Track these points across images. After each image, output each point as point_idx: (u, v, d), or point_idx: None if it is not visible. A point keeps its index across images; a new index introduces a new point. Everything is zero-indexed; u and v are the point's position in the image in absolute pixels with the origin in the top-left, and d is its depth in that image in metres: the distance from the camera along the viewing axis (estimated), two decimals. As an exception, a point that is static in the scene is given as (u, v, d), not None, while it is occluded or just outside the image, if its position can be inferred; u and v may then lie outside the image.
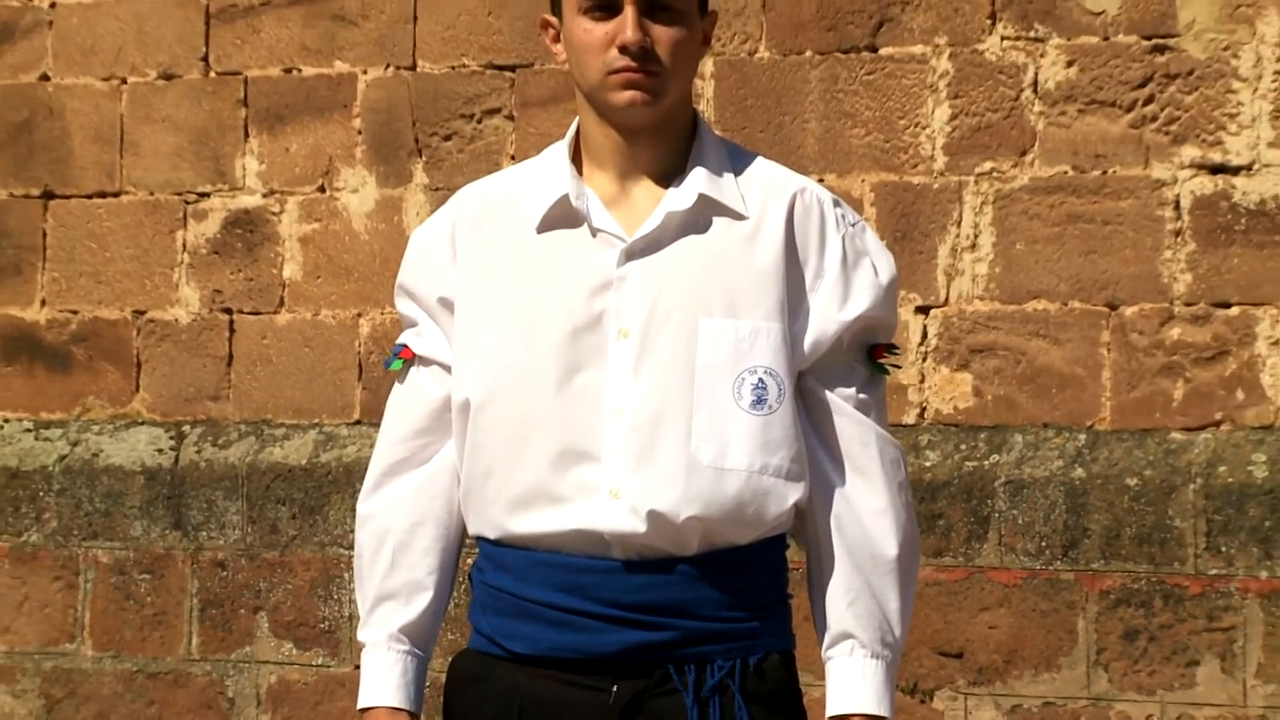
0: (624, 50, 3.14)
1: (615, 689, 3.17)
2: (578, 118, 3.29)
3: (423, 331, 3.29)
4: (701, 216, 3.20)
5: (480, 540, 3.26)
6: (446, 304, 3.25)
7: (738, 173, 3.26)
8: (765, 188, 3.25)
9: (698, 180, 3.21)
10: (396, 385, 3.32)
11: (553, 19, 3.28)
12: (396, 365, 3.30)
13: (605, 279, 3.17)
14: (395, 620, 3.28)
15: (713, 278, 3.18)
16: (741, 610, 3.19)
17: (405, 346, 3.29)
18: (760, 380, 3.17)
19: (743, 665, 3.18)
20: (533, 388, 3.16)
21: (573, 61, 3.23)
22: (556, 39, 3.27)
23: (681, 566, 3.16)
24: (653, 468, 3.13)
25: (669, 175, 3.22)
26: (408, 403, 3.31)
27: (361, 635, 3.32)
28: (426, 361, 3.28)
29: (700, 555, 3.16)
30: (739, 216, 3.21)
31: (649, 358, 3.16)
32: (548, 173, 3.26)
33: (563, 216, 3.21)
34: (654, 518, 3.12)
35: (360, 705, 3.26)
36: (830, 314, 3.22)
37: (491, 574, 3.24)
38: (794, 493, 3.18)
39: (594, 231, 3.19)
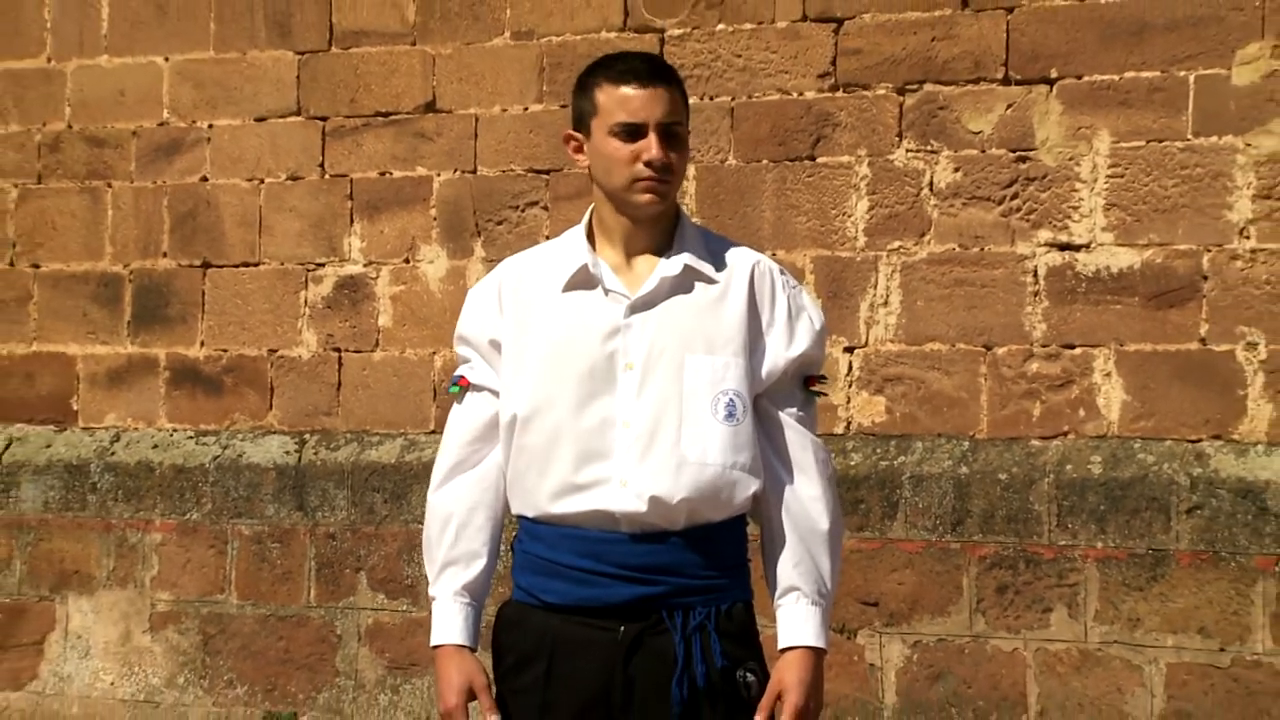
0: (649, 165, 3.18)
1: (623, 629, 3.19)
2: (592, 206, 3.31)
3: (475, 366, 3.32)
4: (686, 281, 3.25)
5: (521, 519, 3.29)
6: (495, 345, 3.29)
7: (710, 249, 3.31)
8: (731, 259, 3.30)
9: (683, 254, 3.25)
10: (455, 406, 3.35)
11: (577, 135, 3.30)
12: (455, 390, 3.34)
13: (615, 327, 3.21)
14: (458, 580, 3.31)
15: (695, 325, 3.23)
16: (715, 570, 3.21)
17: (463, 377, 3.33)
18: (731, 399, 3.21)
19: (716, 611, 3.20)
20: (562, 407, 3.20)
21: (598, 168, 3.25)
22: (579, 150, 3.30)
23: (672, 538, 3.18)
24: (652, 464, 3.16)
25: (660, 249, 3.27)
26: (465, 419, 3.35)
27: (432, 591, 3.35)
28: (479, 389, 3.32)
29: (686, 529, 3.19)
30: (712, 281, 3.26)
31: (649, 384, 3.20)
32: (569, 248, 3.30)
33: (582, 280, 3.25)
34: (653, 501, 3.16)
35: (433, 644, 3.31)
36: (779, 352, 3.27)
37: (529, 544, 3.27)
38: (754, 484, 3.23)
39: (606, 291, 3.24)
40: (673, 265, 3.24)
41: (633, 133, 3.21)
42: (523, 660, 3.23)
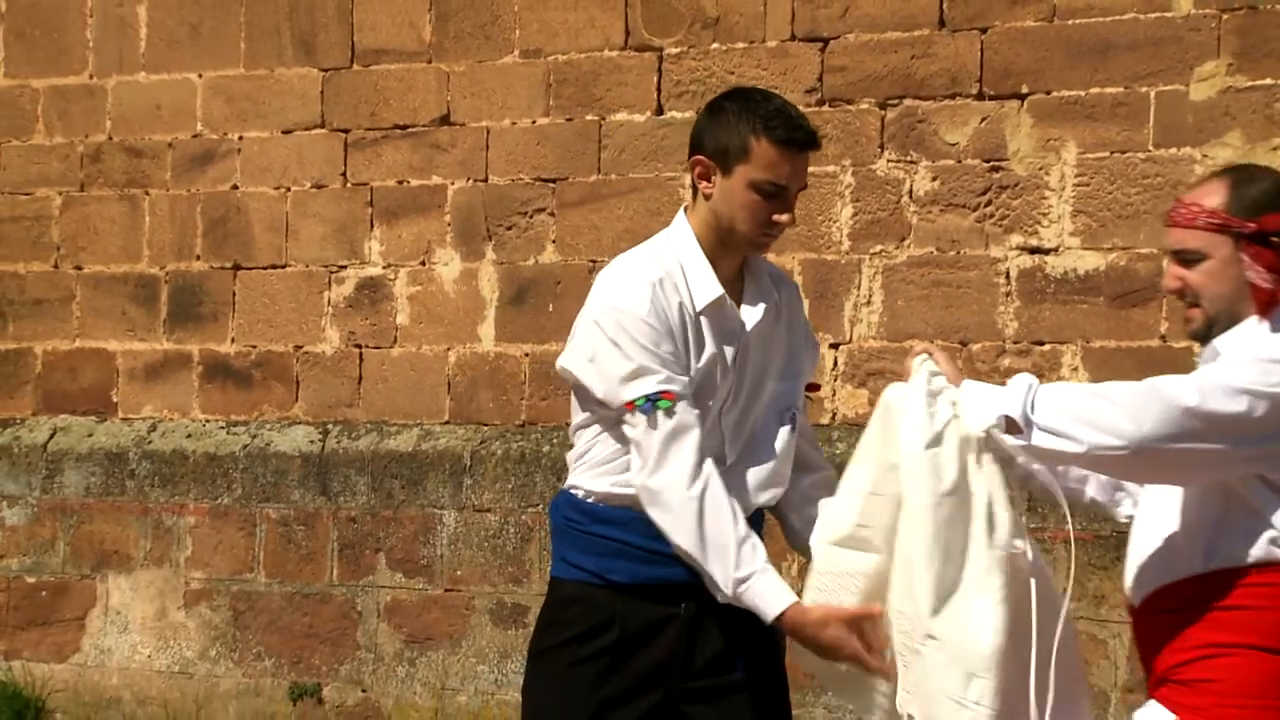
0: (778, 224, 3.23)
1: (683, 606, 3.23)
2: (685, 225, 3.31)
3: (672, 378, 3.24)
4: (770, 309, 3.35)
5: (582, 502, 3.29)
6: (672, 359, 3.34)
7: (767, 271, 3.39)
8: (776, 280, 3.39)
9: (765, 285, 3.34)
10: (665, 419, 3.20)
11: (712, 165, 3.24)
12: (665, 406, 3.20)
13: (731, 353, 3.29)
14: (761, 551, 3.19)
15: (774, 351, 3.34)
16: None
17: (667, 391, 3.21)
18: (792, 414, 3.36)
19: None
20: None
21: (725, 207, 3.23)
22: (705, 176, 3.25)
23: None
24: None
25: (739, 273, 3.32)
26: (689, 422, 3.22)
27: (741, 571, 3.14)
28: (683, 397, 3.22)
29: (751, 514, 3.27)
30: (779, 305, 3.36)
31: (740, 399, 3.30)
32: (698, 272, 3.26)
33: (716, 307, 3.27)
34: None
35: (777, 611, 3.12)
36: (806, 370, 3.43)
37: (591, 525, 3.29)
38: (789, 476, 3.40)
39: (741, 325, 3.32)
40: (766, 296, 3.31)
41: (775, 193, 3.20)
42: (591, 631, 3.22)
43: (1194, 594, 3.06)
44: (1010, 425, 3.02)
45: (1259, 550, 3.02)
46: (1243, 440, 2.96)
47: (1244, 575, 3.02)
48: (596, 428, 3.27)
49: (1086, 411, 2.97)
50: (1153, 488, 3.20)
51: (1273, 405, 2.97)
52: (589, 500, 3.26)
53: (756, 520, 3.30)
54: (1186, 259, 3.10)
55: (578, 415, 3.32)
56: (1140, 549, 3.18)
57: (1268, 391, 2.97)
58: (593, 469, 3.28)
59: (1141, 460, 2.96)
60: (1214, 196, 3.09)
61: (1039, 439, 3.00)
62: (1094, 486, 3.41)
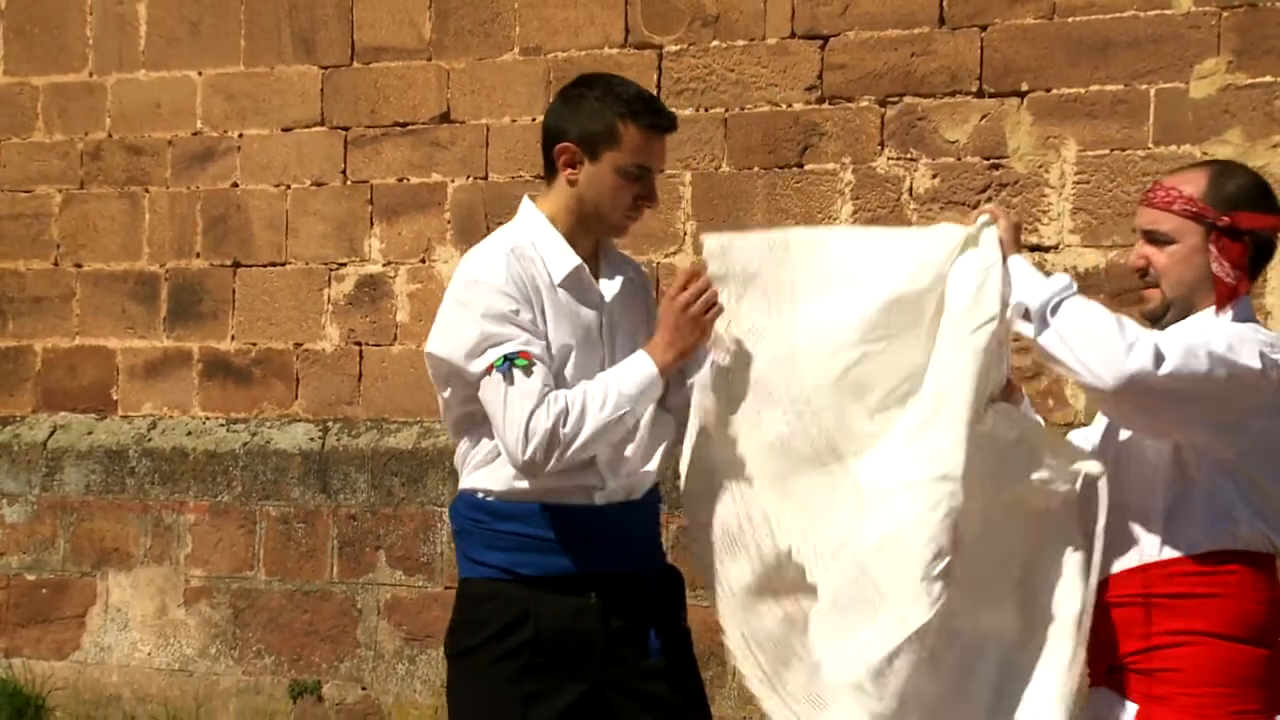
0: (641, 207, 3.28)
1: (592, 596, 3.25)
2: (534, 211, 3.34)
3: (530, 340, 3.30)
4: (626, 282, 3.41)
5: (480, 500, 3.31)
6: (530, 327, 3.39)
7: (613, 250, 3.45)
8: (625, 260, 3.46)
9: (617, 262, 3.40)
10: (523, 379, 3.25)
11: (579, 152, 3.28)
12: (522, 365, 3.24)
13: (600, 322, 3.33)
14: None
15: (637, 326, 3.37)
16: (656, 535, 3.48)
17: (524, 351, 3.25)
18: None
19: (668, 573, 3.43)
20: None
21: (592, 192, 3.29)
22: (572, 164, 3.27)
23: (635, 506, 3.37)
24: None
25: (594, 252, 3.36)
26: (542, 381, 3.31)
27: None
28: (540, 360, 3.26)
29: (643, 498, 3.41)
30: (634, 282, 3.42)
31: (618, 357, 3.31)
32: (552, 246, 3.31)
33: (574, 279, 3.31)
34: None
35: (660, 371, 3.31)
36: None
37: (494, 523, 3.29)
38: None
39: (600, 296, 3.36)
40: (622, 272, 3.37)
41: (640, 176, 3.23)
42: (506, 628, 3.22)
43: (1151, 581, 3.09)
44: (1029, 315, 3.08)
45: (1218, 539, 3.06)
46: (1238, 405, 3.00)
47: (1202, 563, 3.06)
48: (472, 423, 3.30)
49: (1101, 332, 2.99)
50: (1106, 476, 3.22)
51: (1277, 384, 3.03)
52: (488, 499, 3.26)
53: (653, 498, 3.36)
54: (1156, 239, 3.17)
55: (451, 412, 3.35)
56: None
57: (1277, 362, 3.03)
58: (483, 467, 3.29)
59: (1131, 393, 2.97)
60: (1192, 185, 3.16)
61: (1046, 339, 3.05)
62: None
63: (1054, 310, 3.05)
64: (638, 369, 3.17)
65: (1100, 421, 3.35)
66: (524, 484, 3.21)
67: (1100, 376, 2.97)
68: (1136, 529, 3.12)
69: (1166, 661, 3.06)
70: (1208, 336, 3.03)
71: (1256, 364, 3.00)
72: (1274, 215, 3.16)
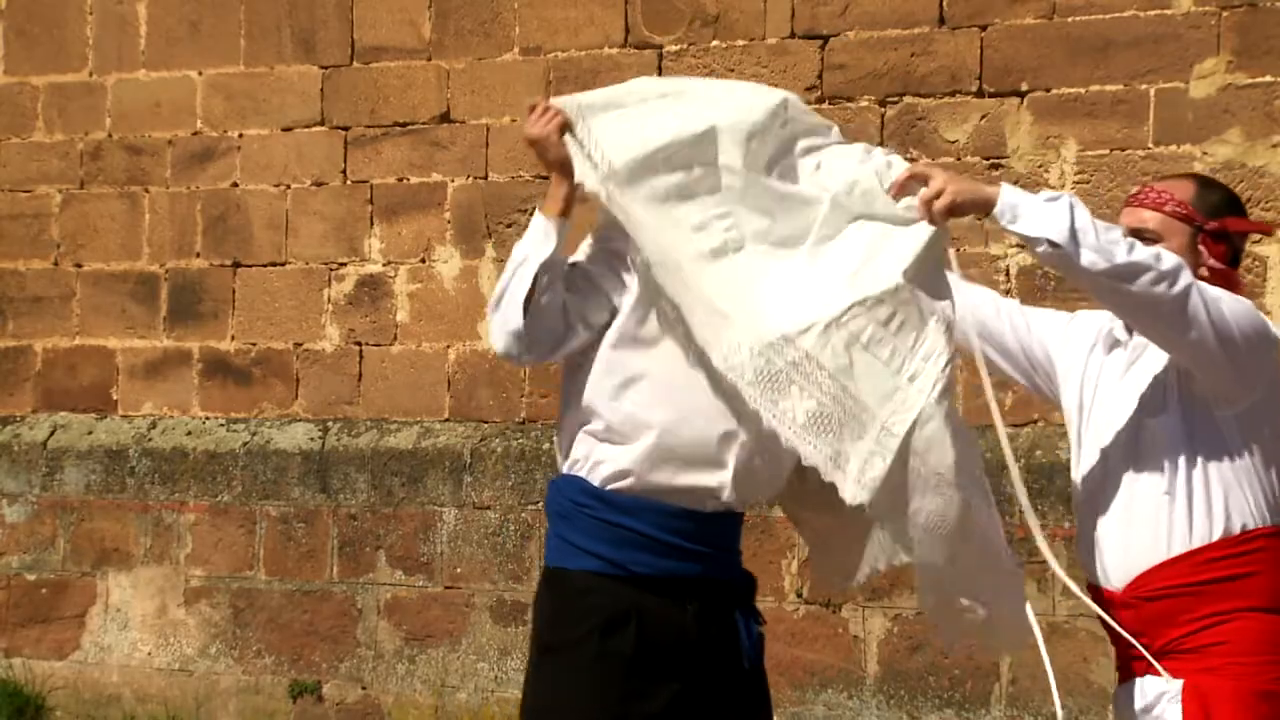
0: None
1: (690, 605, 3.24)
2: None
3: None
4: None
5: (595, 488, 3.27)
6: None
7: None
8: None
9: None
10: None
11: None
12: None
13: None
14: None
15: None
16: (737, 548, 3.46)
17: None
18: None
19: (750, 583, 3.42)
20: None
21: None
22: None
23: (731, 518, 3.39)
24: None
25: None
26: None
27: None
28: None
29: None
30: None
31: None
32: None
33: None
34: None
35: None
36: None
37: (605, 512, 3.24)
38: None
39: None
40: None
41: None
42: (612, 624, 3.16)
43: (1189, 571, 3.16)
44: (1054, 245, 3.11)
45: (1255, 516, 3.16)
46: (1256, 350, 3.13)
47: (1241, 543, 3.15)
48: (574, 418, 3.24)
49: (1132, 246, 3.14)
50: (1091, 470, 3.33)
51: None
52: (602, 486, 3.19)
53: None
54: (1143, 237, 3.26)
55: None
56: (1116, 537, 3.27)
57: None
58: (600, 445, 3.21)
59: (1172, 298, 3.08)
60: (1181, 191, 3.34)
61: (1086, 258, 3.09)
62: (1008, 359, 3.63)
63: (1078, 235, 3.11)
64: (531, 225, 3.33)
65: (1105, 411, 3.36)
66: (640, 478, 3.16)
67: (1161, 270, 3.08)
68: (1170, 521, 3.19)
69: (1213, 638, 3.14)
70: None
71: (1267, 329, 3.18)
72: (1255, 222, 3.36)
